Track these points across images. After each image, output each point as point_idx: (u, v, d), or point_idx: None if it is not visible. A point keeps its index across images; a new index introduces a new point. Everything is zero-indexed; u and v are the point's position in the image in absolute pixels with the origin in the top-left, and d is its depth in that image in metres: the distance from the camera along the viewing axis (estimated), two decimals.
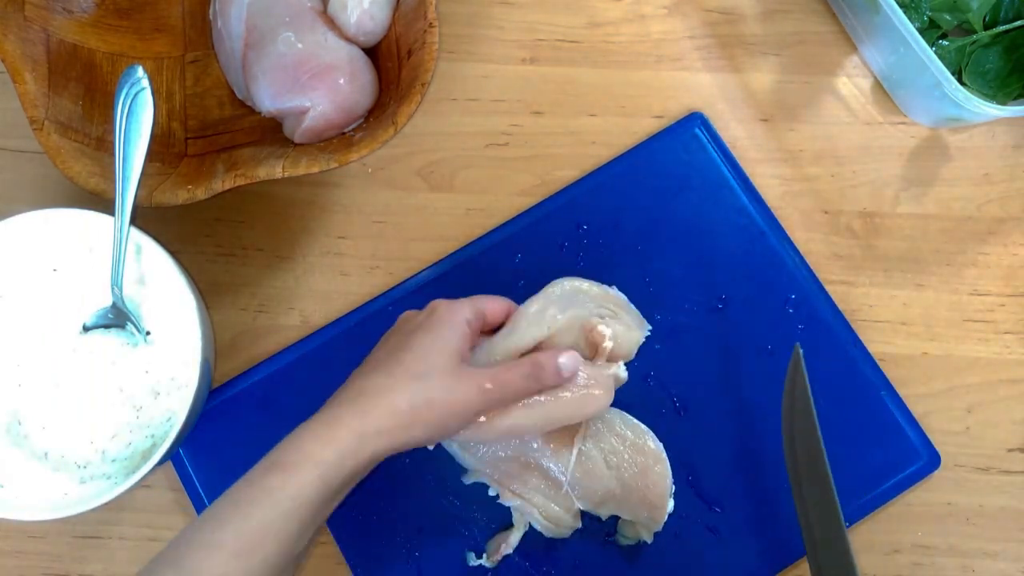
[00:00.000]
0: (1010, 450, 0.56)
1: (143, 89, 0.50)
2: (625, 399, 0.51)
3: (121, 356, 0.53)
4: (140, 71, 0.50)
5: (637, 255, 0.58)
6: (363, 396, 0.44)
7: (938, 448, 0.56)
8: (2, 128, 0.60)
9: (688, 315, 0.56)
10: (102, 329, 0.53)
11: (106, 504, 0.47)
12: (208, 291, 0.58)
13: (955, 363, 0.57)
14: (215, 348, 0.56)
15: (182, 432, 0.48)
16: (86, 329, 0.53)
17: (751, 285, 0.57)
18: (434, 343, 0.46)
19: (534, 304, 0.50)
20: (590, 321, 0.50)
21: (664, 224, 0.58)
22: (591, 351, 0.50)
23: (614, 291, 0.52)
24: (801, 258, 0.58)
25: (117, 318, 0.52)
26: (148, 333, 0.53)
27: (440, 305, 0.48)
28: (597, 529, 0.53)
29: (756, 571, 0.53)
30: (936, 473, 0.56)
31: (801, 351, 0.50)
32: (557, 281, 0.51)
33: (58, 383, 0.52)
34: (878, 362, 0.56)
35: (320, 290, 0.58)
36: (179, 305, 0.50)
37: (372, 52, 0.59)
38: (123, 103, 0.50)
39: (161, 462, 0.47)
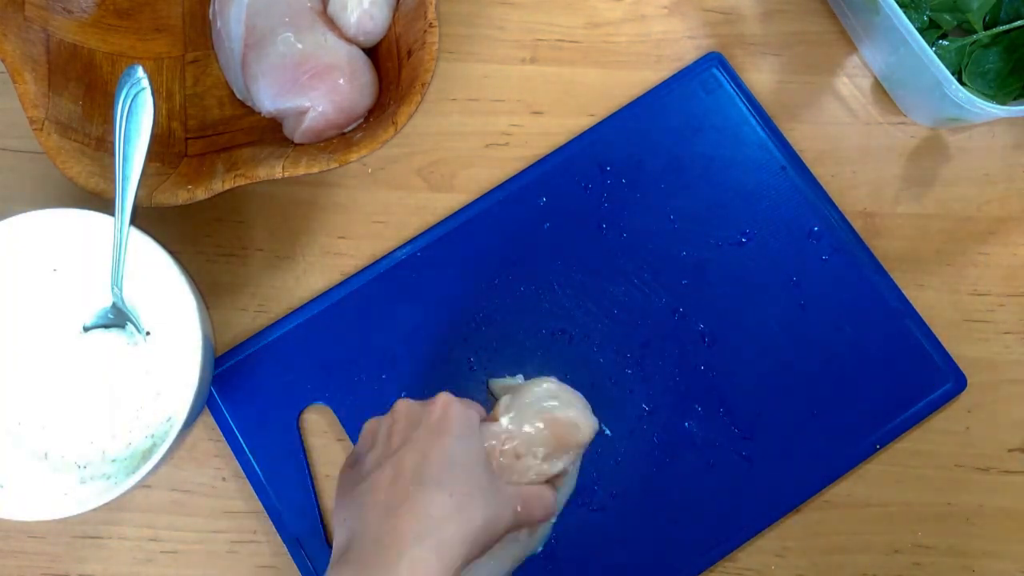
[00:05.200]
0: (1010, 450, 0.56)
1: (143, 89, 0.50)
2: (655, 334, 0.56)
3: (121, 356, 0.53)
4: (140, 71, 0.50)
5: (660, 193, 0.59)
6: (431, 526, 0.37)
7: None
8: (2, 128, 0.60)
9: (713, 250, 0.58)
10: (102, 329, 0.53)
11: (106, 504, 0.47)
12: (208, 291, 0.58)
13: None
14: (215, 348, 0.56)
15: (182, 432, 0.48)
16: (86, 329, 0.53)
17: (774, 218, 0.58)
18: (477, 451, 0.42)
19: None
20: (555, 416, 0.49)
21: (686, 162, 0.59)
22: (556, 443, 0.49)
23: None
24: (823, 191, 0.59)
25: (117, 318, 0.52)
26: (148, 333, 0.53)
27: (446, 400, 0.43)
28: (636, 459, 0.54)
29: (789, 497, 0.54)
30: (936, 474, 0.56)
31: None
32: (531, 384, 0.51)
33: (58, 383, 0.52)
34: None
35: (320, 290, 0.58)
36: (179, 305, 0.50)
37: (372, 52, 0.59)
38: (123, 103, 0.50)
39: (161, 462, 0.47)
